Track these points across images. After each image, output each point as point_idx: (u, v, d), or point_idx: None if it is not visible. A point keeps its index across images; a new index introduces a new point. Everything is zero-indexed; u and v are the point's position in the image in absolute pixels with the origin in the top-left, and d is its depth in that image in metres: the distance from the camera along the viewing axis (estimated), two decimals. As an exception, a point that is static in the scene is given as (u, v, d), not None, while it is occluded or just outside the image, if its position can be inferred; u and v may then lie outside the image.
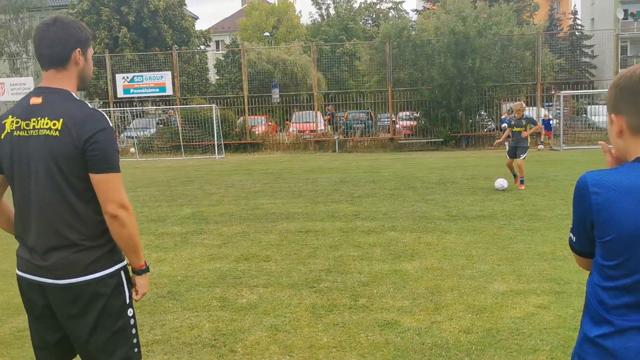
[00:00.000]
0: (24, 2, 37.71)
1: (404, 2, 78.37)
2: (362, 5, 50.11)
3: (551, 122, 23.16)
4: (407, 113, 25.52)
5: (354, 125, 25.63)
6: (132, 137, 25.10)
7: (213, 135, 23.30)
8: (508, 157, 11.48)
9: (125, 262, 2.41)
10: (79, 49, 2.30)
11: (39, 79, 28.30)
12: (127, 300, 2.38)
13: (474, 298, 4.96)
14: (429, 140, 23.91)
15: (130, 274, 2.43)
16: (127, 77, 25.94)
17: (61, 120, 2.19)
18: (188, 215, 9.48)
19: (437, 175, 13.89)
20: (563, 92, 23.09)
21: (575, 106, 26.42)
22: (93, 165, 2.20)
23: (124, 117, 26.70)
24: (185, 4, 38.03)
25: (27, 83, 26.28)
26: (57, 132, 2.19)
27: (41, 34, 2.26)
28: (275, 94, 26.95)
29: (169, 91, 25.99)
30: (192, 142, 24.55)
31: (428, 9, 41.76)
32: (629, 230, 1.51)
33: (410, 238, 7.28)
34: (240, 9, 61.42)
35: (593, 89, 28.99)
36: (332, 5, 51.28)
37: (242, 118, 25.62)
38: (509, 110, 22.70)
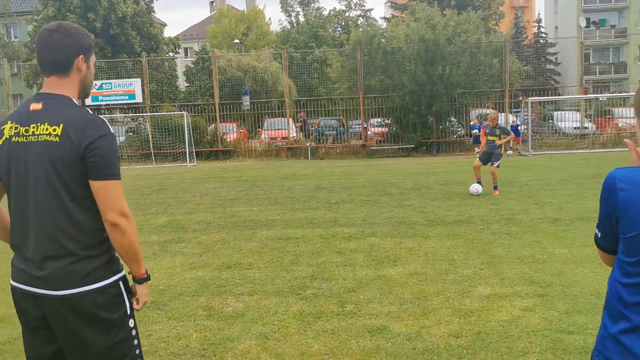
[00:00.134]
0: (-14, 8, 36.86)
1: (372, 10, 79.02)
2: (332, 12, 50.37)
3: (519, 127, 23.60)
4: (379, 119, 25.70)
5: (326, 132, 25.71)
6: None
7: (184, 143, 23.09)
8: (478, 160, 11.64)
9: (124, 272, 2.35)
10: (81, 56, 2.27)
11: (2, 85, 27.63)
12: (128, 311, 2.32)
13: (460, 302, 5.00)
14: (401, 146, 24.11)
15: (130, 283, 2.38)
16: (96, 85, 25.48)
17: (61, 125, 2.14)
18: (164, 223, 9.34)
19: (412, 181, 14.01)
20: (530, 99, 23.57)
21: (542, 112, 27.01)
22: (93, 172, 2.15)
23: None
24: (153, 11, 37.67)
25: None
26: (57, 137, 2.14)
27: (44, 40, 2.22)
28: (246, 101, 26.84)
29: (139, 98, 25.63)
30: (163, 150, 24.26)
31: (396, 16, 42.24)
32: None
33: (391, 243, 7.31)
34: (209, 16, 61.10)
35: (558, 95, 29.73)
36: (301, 13, 51.43)
37: (213, 125, 25.45)
38: (478, 116, 23.09)
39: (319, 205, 10.65)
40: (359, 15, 51.17)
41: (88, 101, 25.13)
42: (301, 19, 50.85)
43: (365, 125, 25.08)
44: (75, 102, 2.26)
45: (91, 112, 2.25)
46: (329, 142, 25.12)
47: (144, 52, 29.67)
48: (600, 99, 26.88)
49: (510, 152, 22.53)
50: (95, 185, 2.16)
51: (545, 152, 22.20)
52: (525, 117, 23.83)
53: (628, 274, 1.61)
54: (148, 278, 2.40)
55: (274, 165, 21.08)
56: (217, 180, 15.99)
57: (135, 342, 2.35)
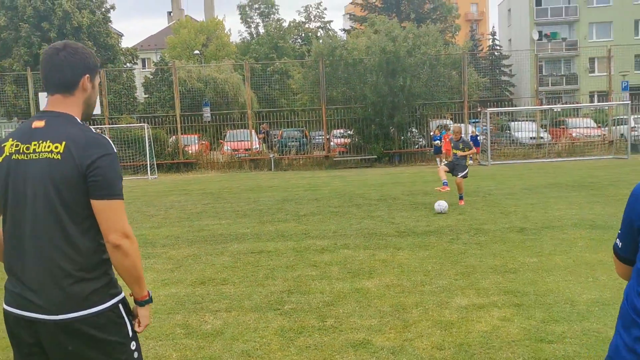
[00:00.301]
0: None
1: (332, 21, 79.71)
2: (292, 24, 50.57)
3: (478, 138, 24.09)
4: (341, 131, 25.88)
5: (289, 144, 25.70)
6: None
7: (145, 155, 22.70)
8: (444, 165, 11.87)
9: (123, 294, 2.29)
10: (87, 75, 2.24)
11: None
12: (130, 334, 2.26)
13: (440, 314, 5.04)
14: (363, 157, 24.30)
15: (131, 305, 2.31)
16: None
17: (64, 143, 2.09)
18: (131, 239, 9.12)
19: (377, 192, 14.10)
20: (489, 110, 24.12)
21: (499, 123, 27.66)
22: (94, 191, 2.09)
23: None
24: (110, 21, 37.04)
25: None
26: (59, 155, 2.08)
27: (50, 58, 2.18)
28: (207, 113, 26.59)
29: (97, 110, 25.04)
30: (123, 162, 23.74)
31: (356, 28, 42.73)
32: None
33: (364, 255, 7.33)
34: (168, 26, 60.46)
35: (513, 106, 30.54)
36: (261, 24, 51.47)
37: (174, 137, 25.12)
38: (438, 126, 23.46)
39: (287, 217, 10.60)
40: (318, 27, 51.55)
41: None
42: (261, 30, 50.92)
43: (328, 137, 25.18)
44: (79, 120, 2.20)
45: (94, 130, 2.20)
46: (292, 154, 25.11)
47: (100, 63, 29.10)
48: (555, 109, 27.72)
49: (470, 162, 22.91)
50: (97, 204, 2.10)
51: (504, 162, 22.72)
52: (484, 127, 24.35)
53: None
54: (150, 300, 2.34)
55: (237, 177, 20.92)
56: (181, 193, 15.76)
57: (138, 365, 2.29)
